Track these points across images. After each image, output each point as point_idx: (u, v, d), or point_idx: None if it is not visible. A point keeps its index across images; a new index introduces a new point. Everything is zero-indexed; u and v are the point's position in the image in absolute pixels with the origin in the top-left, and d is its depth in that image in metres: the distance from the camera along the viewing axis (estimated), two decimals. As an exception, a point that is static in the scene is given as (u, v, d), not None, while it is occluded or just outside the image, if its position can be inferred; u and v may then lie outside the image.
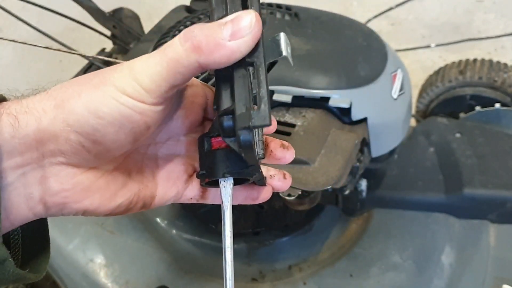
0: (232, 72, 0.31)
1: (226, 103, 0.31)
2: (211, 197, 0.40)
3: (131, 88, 0.31)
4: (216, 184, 0.36)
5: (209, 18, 0.33)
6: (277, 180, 0.40)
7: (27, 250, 0.36)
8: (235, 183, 0.36)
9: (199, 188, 0.39)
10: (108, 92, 0.31)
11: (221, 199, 0.35)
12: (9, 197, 0.31)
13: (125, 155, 0.36)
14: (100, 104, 0.31)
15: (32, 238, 0.37)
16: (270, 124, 0.30)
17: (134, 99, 0.31)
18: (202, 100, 0.38)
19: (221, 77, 0.32)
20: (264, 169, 0.40)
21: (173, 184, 0.38)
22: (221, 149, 0.35)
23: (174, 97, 0.34)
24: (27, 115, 0.31)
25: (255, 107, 0.31)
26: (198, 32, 0.30)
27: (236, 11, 0.31)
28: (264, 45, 0.34)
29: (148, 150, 0.38)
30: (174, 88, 0.32)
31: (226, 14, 0.31)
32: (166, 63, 0.31)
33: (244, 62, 0.31)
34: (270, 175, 0.40)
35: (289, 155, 0.40)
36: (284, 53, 0.34)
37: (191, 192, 0.39)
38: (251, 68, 0.32)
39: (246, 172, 0.35)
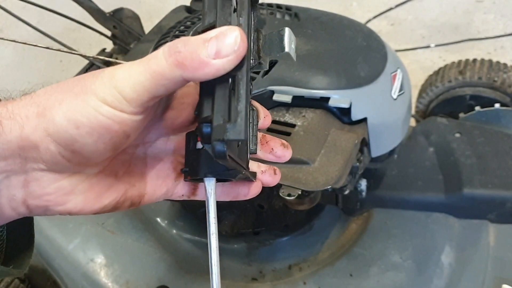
0: (215, 83, 0.31)
1: (206, 112, 0.31)
2: (201, 194, 0.40)
3: (111, 97, 0.30)
4: (199, 179, 0.36)
5: (201, 20, 0.33)
6: (268, 176, 0.41)
7: (11, 244, 0.37)
8: (220, 180, 0.36)
9: (189, 185, 0.39)
10: (88, 101, 0.31)
11: (205, 187, 0.36)
12: None
13: (110, 159, 0.36)
14: (79, 114, 0.30)
15: (17, 233, 0.37)
16: (244, 139, 0.30)
17: (113, 108, 0.31)
18: (193, 100, 0.38)
19: (205, 84, 0.32)
20: (255, 165, 0.41)
21: (162, 182, 0.38)
22: (206, 149, 0.35)
23: (155, 106, 0.34)
24: (11, 121, 0.31)
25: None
26: (182, 48, 0.30)
27: (225, 19, 0.31)
28: (268, 39, 0.34)
29: (137, 150, 0.38)
30: (155, 98, 0.32)
31: (216, 22, 0.31)
32: (149, 74, 0.30)
33: (227, 75, 0.31)
34: (262, 171, 0.41)
35: (288, 154, 0.41)
36: (287, 49, 0.33)
37: (182, 190, 0.39)
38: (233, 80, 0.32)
39: (228, 174, 0.35)
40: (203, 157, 0.35)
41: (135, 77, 0.30)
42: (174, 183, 0.39)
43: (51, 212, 0.34)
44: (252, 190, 0.40)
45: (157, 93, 0.31)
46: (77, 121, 0.30)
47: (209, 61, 0.29)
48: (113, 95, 0.30)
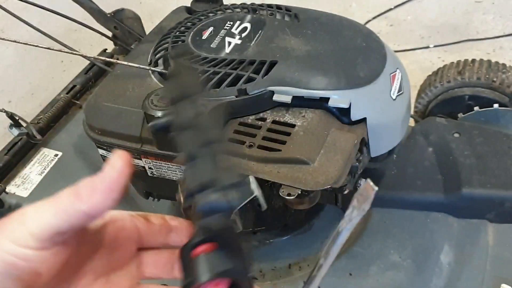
0: None
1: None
2: None
3: (19, 233, 0.31)
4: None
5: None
6: None
7: None
8: None
9: None
10: None
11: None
12: None
13: None
14: None
15: None
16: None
17: (18, 245, 0.31)
18: (131, 233, 0.38)
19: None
20: None
21: None
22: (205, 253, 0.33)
23: (71, 242, 0.34)
24: None
25: None
26: (81, 184, 0.32)
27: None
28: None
29: None
30: (61, 234, 0.32)
31: None
32: (53, 209, 0.31)
33: None
34: None
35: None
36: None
37: None
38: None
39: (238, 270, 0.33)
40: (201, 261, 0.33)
41: (40, 212, 0.32)
42: None
43: None
44: None
45: (60, 228, 0.32)
46: None
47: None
48: (21, 231, 0.31)
